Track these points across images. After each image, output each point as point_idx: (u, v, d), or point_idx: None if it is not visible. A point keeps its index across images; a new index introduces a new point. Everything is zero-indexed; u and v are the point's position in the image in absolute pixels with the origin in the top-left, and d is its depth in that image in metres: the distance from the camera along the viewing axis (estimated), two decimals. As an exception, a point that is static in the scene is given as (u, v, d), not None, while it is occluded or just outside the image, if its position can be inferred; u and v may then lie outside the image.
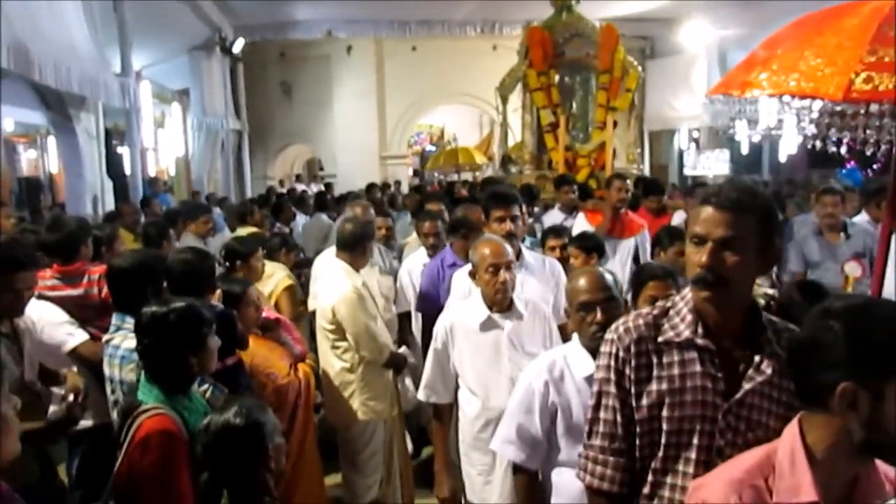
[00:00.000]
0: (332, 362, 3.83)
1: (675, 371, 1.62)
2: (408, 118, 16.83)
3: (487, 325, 2.91)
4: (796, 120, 2.29)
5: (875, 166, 10.46)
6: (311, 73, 16.12)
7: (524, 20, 9.24)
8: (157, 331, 2.26)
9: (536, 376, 2.42)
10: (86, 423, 3.35)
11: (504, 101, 9.30)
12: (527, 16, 8.91)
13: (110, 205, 8.17)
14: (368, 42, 15.56)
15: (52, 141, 12.83)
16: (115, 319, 2.92)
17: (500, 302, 2.89)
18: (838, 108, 2.06)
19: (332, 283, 3.85)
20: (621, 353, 1.67)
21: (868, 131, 2.06)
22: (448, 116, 19.62)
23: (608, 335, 1.74)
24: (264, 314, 3.50)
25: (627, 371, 1.66)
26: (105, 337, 2.93)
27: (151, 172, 13.54)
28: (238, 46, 13.60)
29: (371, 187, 10.46)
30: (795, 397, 1.47)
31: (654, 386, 1.63)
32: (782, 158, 12.81)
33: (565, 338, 2.90)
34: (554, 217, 6.13)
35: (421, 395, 3.13)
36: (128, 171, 9.81)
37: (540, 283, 3.45)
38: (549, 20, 8.89)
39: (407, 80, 15.99)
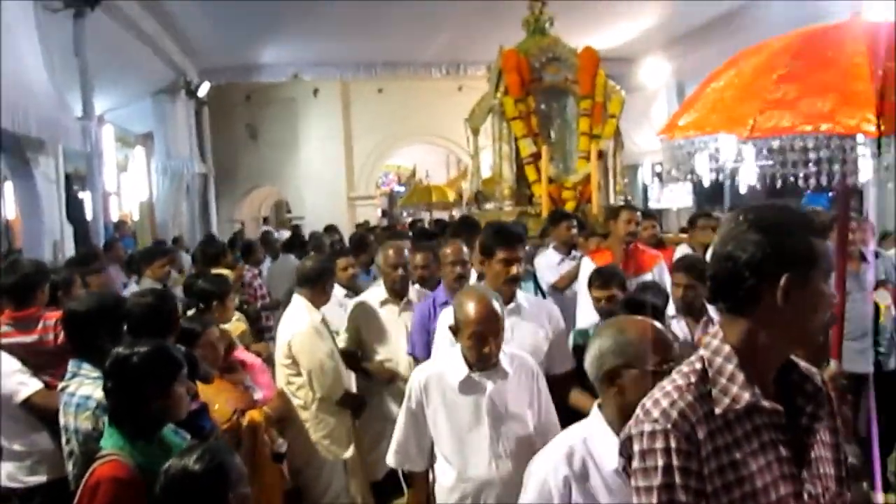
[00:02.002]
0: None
1: (746, 449, 1.30)
2: (375, 159, 16.89)
3: (467, 385, 2.59)
4: (755, 156, 2.34)
5: (829, 194, 10.73)
6: (278, 116, 16.14)
7: (489, 61, 9.11)
8: (120, 373, 2.22)
9: (553, 471, 1.93)
10: (39, 478, 3.23)
11: (475, 132, 8.73)
12: (491, 57, 8.82)
13: (70, 250, 8.00)
14: (334, 84, 15.67)
15: (8, 186, 12.57)
16: (71, 365, 2.83)
17: (483, 365, 2.59)
18: (785, 144, 2.10)
19: (291, 318, 3.84)
20: (683, 446, 1.28)
21: (824, 165, 2.09)
22: (416, 156, 19.76)
23: (649, 426, 1.32)
24: (238, 354, 3.45)
25: (694, 466, 1.28)
26: (61, 384, 2.83)
27: (114, 217, 13.35)
28: (203, 90, 13.59)
29: (329, 229, 10.37)
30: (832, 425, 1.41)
31: (730, 476, 1.29)
32: (743, 190, 13.13)
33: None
34: (549, 258, 5.44)
35: (391, 461, 2.81)
36: (89, 216, 9.66)
37: (533, 328, 3.14)
38: (523, 43, 8.29)
39: (374, 121, 16.10)
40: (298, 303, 3.92)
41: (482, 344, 2.53)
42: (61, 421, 2.74)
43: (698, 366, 1.37)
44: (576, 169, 8.05)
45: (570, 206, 7.60)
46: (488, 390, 2.57)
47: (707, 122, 2.04)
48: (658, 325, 2.04)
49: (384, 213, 20.81)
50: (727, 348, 1.35)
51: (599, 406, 2.00)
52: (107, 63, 8.93)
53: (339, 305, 4.77)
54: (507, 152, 8.06)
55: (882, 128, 1.65)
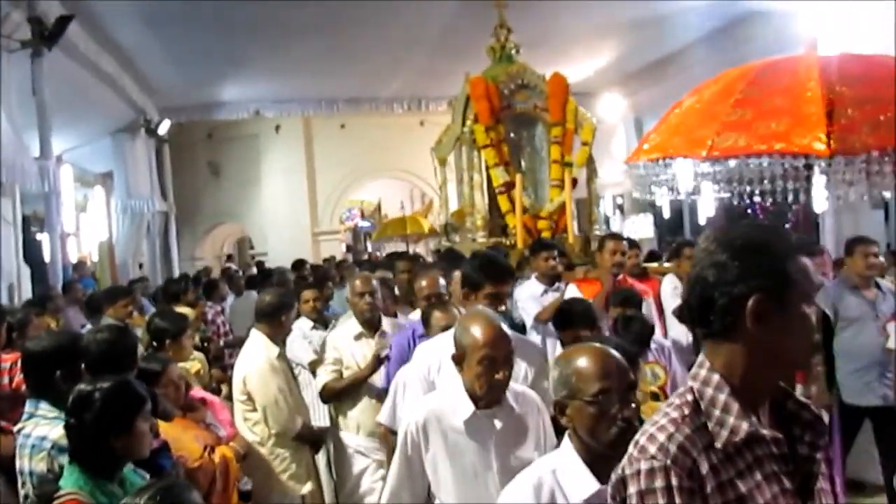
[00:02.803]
0: (245, 435, 3.74)
1: (751, 482, 1.21)
2: (338, 194, 16.86)
3: (473, 424, 2.31)
4: (712, 184, 2.41)
5: (787, 225, 10.97)
6: (240, 153, 16.07)
7: (450, 96, 9.09)
8: (82, 409, 2.17)
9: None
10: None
11: (442, 163, 8.47)
12: (453, 92, 8.84)
13: (27, 292, 7.79)
14: (297, 120, 15.67)
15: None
16: (28, 406, 2.75)
17: (490, 400, 2.32)
18: (742, 164, 2.17)
19: (248, 354, 3.83)
20: (685, 483, 1.17)
21: (781, 184, 2.16)
22: (379, 191, 19.78)
23: (646, 463, 1.20)
24: (194, 393, 3.39)
25: None
26: (17, 426, 2.74)
27: (73, 258, 13.08)
28: (164, 128, 13.46)
29: (299, 263, 10.28)
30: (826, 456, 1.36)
31: None
32: (702, 221, 13.39)
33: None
34: (531, 290, 5.20)
35: None
36: (47, 258, 9.45)
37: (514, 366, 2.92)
38: (490, 70, 8.11)
39: (336, 156, 16.11)
40: (256, 338, 3.92)
41: (493, 370, 2.25)
42: (17, 463, 2.64)
43: (689, 397, 1.28)
44: (550, 198, 7.84)
45: (545, 237, 7.30)
46: (497, 429, 2.32)
47: (669, 144, 2.11)
48: (612, 351, 1.93)
49: (349, 248, 20.74)
50: (716, 377, 1.26)
51: (569, 435, 1.92)
52: (65, 102, 8.82)
53: (304, 337, 4.74)
54: (478, 181, 7.77)
55: (833, 146, 1.71)
